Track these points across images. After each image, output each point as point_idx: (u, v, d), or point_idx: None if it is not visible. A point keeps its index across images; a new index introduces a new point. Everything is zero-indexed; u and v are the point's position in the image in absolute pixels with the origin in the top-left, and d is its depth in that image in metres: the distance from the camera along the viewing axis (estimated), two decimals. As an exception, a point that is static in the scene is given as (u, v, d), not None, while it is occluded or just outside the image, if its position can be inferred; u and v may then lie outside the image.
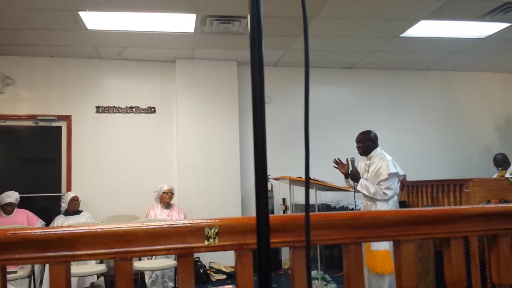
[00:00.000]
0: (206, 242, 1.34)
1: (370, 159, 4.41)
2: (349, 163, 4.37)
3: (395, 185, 4.23)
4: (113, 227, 1.31)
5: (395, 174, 4.20)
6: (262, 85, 0.83)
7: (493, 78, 8.03)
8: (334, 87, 7.54)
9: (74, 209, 5.68)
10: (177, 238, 1.34)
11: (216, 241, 1.34)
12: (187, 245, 1.34)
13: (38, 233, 1.31)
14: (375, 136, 4.47)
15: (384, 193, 4.13)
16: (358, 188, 4.20)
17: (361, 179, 4.24)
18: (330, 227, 1.46)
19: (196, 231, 1.34)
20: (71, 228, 1.31)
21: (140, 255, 1.38)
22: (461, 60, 7.21)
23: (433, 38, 6.12)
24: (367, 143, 4.41)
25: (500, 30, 5.84)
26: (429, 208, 1.57)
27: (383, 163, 4.25)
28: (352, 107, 7.45)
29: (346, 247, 1.48)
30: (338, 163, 4.43)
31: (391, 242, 4.14)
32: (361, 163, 4.50)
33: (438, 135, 7.64)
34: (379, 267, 3.96)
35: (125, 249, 1.31)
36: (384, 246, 3.94)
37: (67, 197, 5.70)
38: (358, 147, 4.46)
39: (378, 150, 4.43)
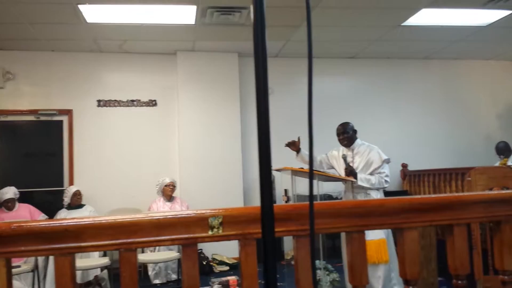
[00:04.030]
0: (210, 232, 1.34)
1: (353, 150, 4.35)
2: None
3: (388, 171, 4.24)
4: (117, 218, 1.32)
5: (387, 161, 4.22)
6: (265, 76, 0.83)
7: (495, 66, 8.00)
8: (335, 77, 7.51)
9: (76, 203, 5.69)
10: (181, 229, 1.34)
11: (220, 231, 1.35)
12: (192, 235, 1.34)
13: (43, 225, 1.32)
14: (353, 126, 4.46)
15: (386, 181, 4.14)
16: (359, 183, 4.11)
17: (358, 173, 4.17)
18: (333, 216, 1.46)
19: (200, 221, 1.34)
20: (76, 220, 1.32)
21: (144, 246, 1.39)
22: (462, 48, 7.18)
23: (434, 26, 6.09)
24: (350, 133, 4.37)
25: (502, 18, 5.80)
26: (432, 196, 1.57)
27: (373, 151, 4.24)
28: (353, 97, 7.42)
29: (350, 235, 1.48)
30: (291, 144, 4.41)
31: (387, 231, 4.09)
32: (337, 154, 4.45)
33: (440, 124, 7.62)
34: (375, 257, 3.93)
35: (130, 240, 1.32)
36: (378, 235, 3.88)
37: (70, 191, 5.71)
38: (342, 139, 4.38)
39: (358, 140, 4.41)
